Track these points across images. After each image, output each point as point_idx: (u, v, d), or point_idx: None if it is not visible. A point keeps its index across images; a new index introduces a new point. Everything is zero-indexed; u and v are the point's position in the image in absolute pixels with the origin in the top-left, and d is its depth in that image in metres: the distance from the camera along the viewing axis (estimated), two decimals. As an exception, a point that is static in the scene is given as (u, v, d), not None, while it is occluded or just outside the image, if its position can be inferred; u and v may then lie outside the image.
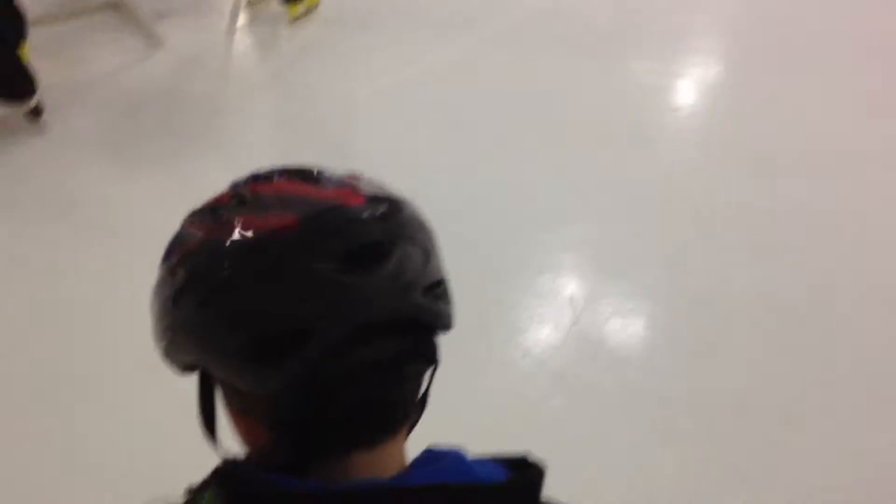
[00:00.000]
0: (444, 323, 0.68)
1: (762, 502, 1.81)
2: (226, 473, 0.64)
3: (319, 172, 0.66)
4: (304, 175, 0.66)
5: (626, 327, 2.21)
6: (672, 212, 2.57)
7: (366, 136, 2.91)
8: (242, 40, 3.52)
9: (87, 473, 1.84)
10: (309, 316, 0.59)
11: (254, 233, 0.60)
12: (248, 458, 0.68)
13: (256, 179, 0.67)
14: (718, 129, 2.98)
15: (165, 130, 2.91)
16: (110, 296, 2.22)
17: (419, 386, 0.68)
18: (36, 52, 2.93)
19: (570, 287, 2.32)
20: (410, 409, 0.68)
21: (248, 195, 0.64)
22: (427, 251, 0.66)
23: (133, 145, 2.84)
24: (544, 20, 3.54)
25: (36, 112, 2.83)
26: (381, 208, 0.62)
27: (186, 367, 0.69)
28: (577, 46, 3.35)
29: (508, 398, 2.02)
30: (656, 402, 2.01)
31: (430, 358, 0.67)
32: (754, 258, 2.41)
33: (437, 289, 0.67)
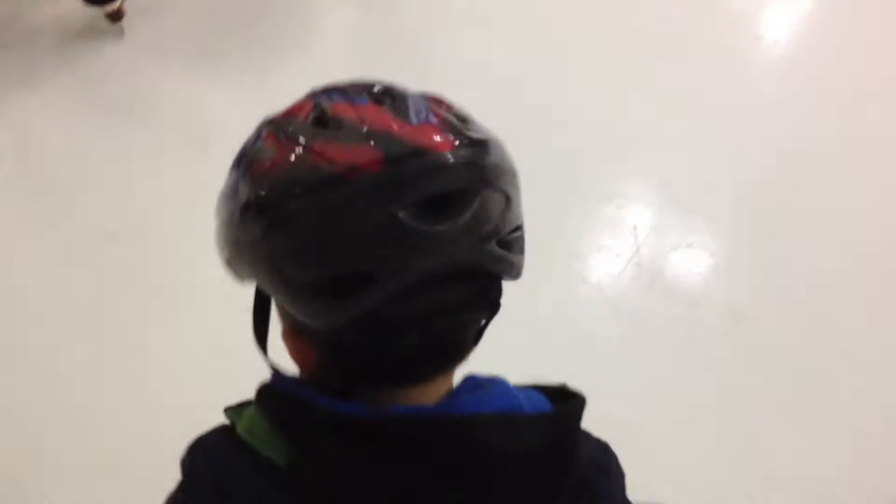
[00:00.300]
0: (514, 273, 0.65)
1: (801, 436, 1.82)
2: (270, 391, 0.64)
3: (403, 98, 0.61)
4: (387, 100, 0.61)
5: (686, 260, 2.19)
6: (746, 144, 2.50)
7: (447, 45, 2.87)
8: None
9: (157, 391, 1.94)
10: (378, 260, 0.56)
11: (332, 165, 0.56)
12: (296, 376, 0.67)
13: (338, 96, 0.62)
14: (803, 61, 2.85)
15: (247, 38, 2.90)
16: (186, 205, 2.22)
17: (478, 329, 0.66)
18: None
19: (634, 216, 2.30)
20: (467, 350, 0.66)
21: (329, 114, 0.60)
22: (509, 197, 0.62)
23: (214, 51, 2.84)
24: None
25: (117, 15, 2.86)
26: (467, 154, 0.58)
27: (247, 279, 0.66)
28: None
29: (563, 324, 2.04)
30: (708, 335, 2.01)
31: (492, 305, 0.65)
32: (829, 196, 2.34)
33: (512, 235, 0.63)
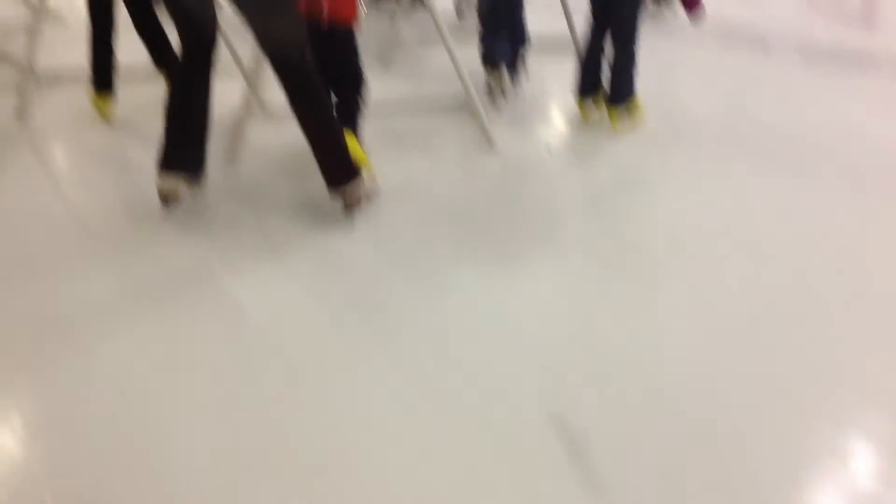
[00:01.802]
0: None
1: None
2: None
3: None
4: None
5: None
6: None
7: (673, 265, 2.78)
8: (565, 149, 3.62)
9: None
10: None
11: None
12: None
13: None
14: None
15: (482, 236, 2.93)
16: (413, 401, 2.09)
17: None
18: (380, 139, 3.25)
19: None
20: None
21: None
22: None
23: (447, 247, 2.87)
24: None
25: (354, 200, 2.91)
26: None
27: None
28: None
29: None
30: None
31: None
32: None
33: None
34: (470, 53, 3.98)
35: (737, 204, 3.11)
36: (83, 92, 3.67)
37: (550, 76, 4.26)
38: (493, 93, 3.96)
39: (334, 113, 3.04)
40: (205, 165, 2.90)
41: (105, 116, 3.61)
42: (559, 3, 3.96)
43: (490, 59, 3.87)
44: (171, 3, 2.69)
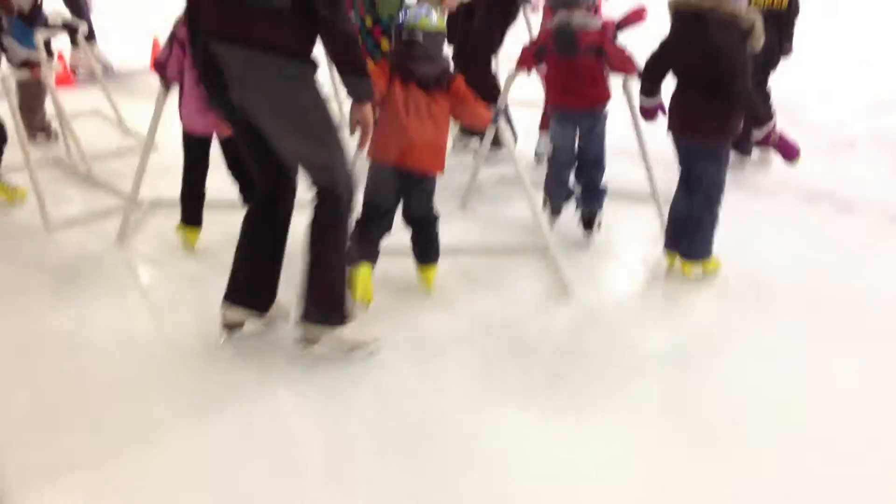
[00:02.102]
0: None
1: None
2: None
3: None
4: None
5: None
6: None
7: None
8: (641, 301, 3.59)
9: None
10: None
11: None
12: None
13: None
14: None
15: (546, 380, 2.89)
16: None
17: None
18: (455, 277, 3.39)
19: None
20: None
21: None
22: None
23: (509, 387, 2.83)
24: None
25: (316, 339, 2.85)
26: None
27: None
28: None
29: None
30: None
31: None
32: None
33: None
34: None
35: (814, 382, 2.93)
36: (172, 219, 3.82)
37: (629, 224, 4.24)
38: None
39: (377, 252, 3.16)
40: (271, 301, 2.96)
41: (190, 245, 3.74)
42: (639, 152, 3.99)
43: (553, 209, 3.99)
44: (248, 149, 2.82)
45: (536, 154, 4.93)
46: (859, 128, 6.07)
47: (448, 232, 3.45)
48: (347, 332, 2.85)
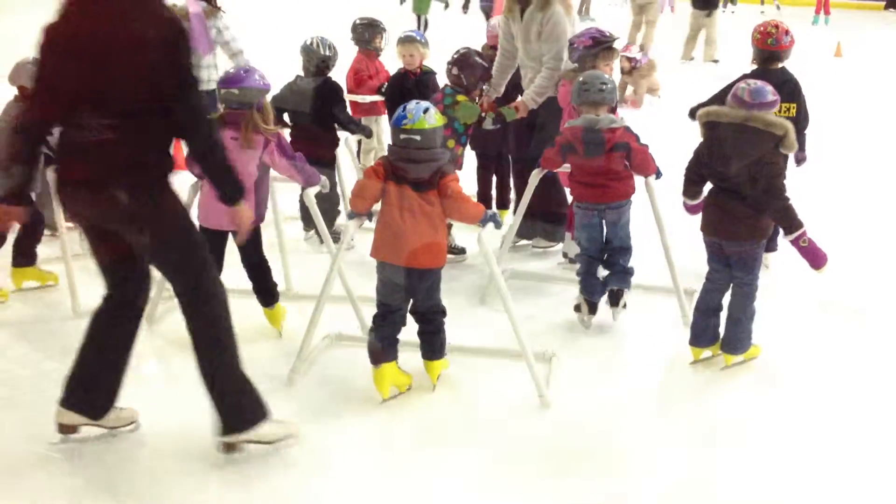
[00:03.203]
0: None
1: None
2: None
3: None
4: None
5: None
6: None
7: None
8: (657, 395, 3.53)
9: None
10: None
11: None
12: None
13: None
14: None
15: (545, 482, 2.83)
16: None
17: None
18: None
19: None
20: None
21: None
22: None
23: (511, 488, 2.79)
24: None
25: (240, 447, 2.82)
26: None
27: None
28: None
29: None
30: None
31: None
32: None
33: None
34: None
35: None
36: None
37: (644, 317, 4.14)
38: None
39: (396, 347, 3.20)
40: (106, 409, 2.86)
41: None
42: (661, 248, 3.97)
43: (590, 308, 3.94)
44: (99, 253, 2.79)
45: (564, 255, 4.84)
46: None
47: (459, 326, 3.43)
48: (265, 428, 2.80)
